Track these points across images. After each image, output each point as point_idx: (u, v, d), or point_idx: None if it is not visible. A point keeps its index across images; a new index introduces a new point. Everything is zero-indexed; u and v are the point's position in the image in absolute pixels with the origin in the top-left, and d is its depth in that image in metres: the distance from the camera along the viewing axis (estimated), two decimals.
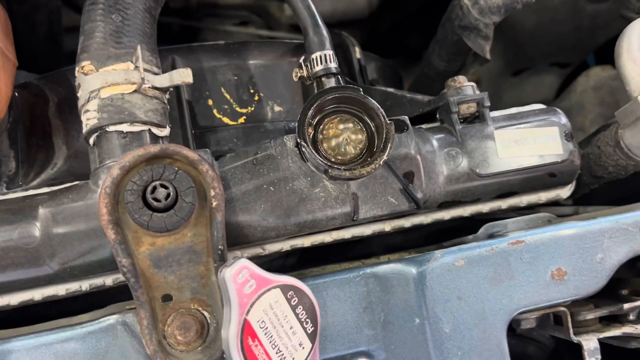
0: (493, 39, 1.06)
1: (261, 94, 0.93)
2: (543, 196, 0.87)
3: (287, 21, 1.60)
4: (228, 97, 0.91)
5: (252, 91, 0.93)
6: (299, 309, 0.68)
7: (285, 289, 0.68)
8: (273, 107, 0.93)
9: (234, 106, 0.91)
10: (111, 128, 0.72)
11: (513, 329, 0.87)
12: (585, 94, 1.26)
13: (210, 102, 0.90)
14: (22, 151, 0.88)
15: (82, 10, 1.43)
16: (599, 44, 1.49)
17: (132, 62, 0.73)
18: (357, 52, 1.02)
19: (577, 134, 1.27)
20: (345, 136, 0.75)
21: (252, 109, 0.92)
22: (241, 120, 0.91)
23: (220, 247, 0.68)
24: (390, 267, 0.74)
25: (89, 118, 0.73)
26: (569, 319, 0.77)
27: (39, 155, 0.89)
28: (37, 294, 0.74)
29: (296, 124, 0.73)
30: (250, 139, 0.91)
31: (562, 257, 0.76)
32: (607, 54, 1.49)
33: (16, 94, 0.89)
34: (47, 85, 0.92)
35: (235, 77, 0.92)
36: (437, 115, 0.86)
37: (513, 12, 1.00)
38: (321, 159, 0.72)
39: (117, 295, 0.78)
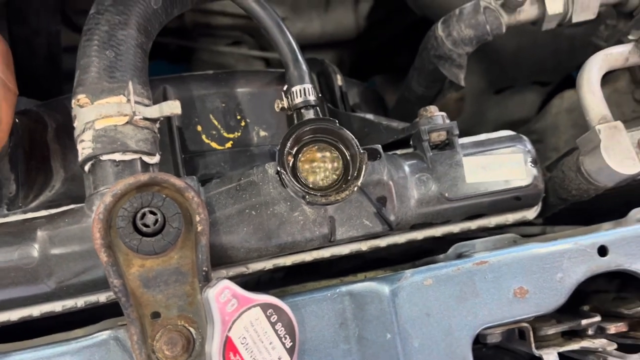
0: (476, 58, 1.10)
1: (247, 120, 0.99)
2: (510, 217, 0.92)
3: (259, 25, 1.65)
4: (216, 123, 0.97)
5: (239, 117, 0.98)
6: (278, 326, 0.74)
7: (265, 307, 0.73)
8: (259, 132, 0.99)
9: (222, 132, 0.97)
10: (105, 157, 0.78)
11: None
12: (559, 115, 1.32)
13: (199, 128, 0.96)
14: (22, 174, 0.94)
15: (80, 36, 1.49)
16: (577, 64, 1.54)
17: (124, 95, 0.79)
18: (339, 80, 1.07)
19: (551, 154, 1.33)
20: (322, 164, 0.80)
21: (239, 134, 0.98)
22: (228, 145, 0.97)
23: (204, 268, 0.74)
24: (364, 286, 0.80)
25: (84, 147, 0.78)
26: (531, 334, 0.82)
27: (38, 178, 0.95)
28: (36, 311, 0.80)
29: (277, 153, 0.79)
30: (237, 162, 0.96)
31: (524, 276, 0.81)
32: None
33: (17, 121, 0.94)
34: (46, 112, 0.97)
35: (223, 105, 0.98)
36: (410, 142, 0.91)
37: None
38: (299, 185, 0.78)
39: (110, 309, 0.84)
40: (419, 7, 1.37)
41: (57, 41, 1.35)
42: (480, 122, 1.68)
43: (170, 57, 1.78)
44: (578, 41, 1.44)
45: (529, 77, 1.60)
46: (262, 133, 0.99)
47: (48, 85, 1.40)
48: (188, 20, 1.65)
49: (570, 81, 1.73)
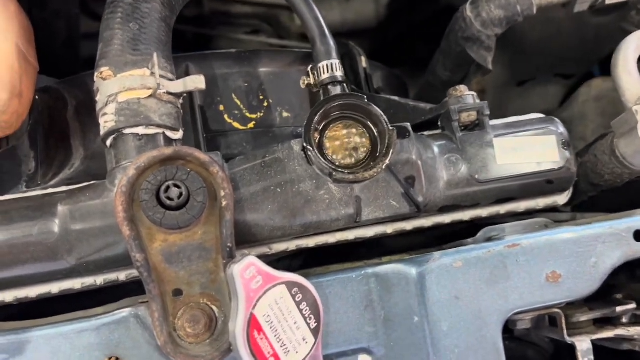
0: (499, 49, 1.08)
1: (270, 101, 0.97)
2: (541, 202, 0.89)
3: (297, 30, 1.64)
4: (239, 103, 0.95)
5: (261, 97, 0.96)
6: (303, 305, 0.72)
7: (290, 285, 0.71)
8: (281, 113, 0.97)
9: (244, 112, 0.95)
10: (127, 131, 0.76)
11: (512, 331, 0.90)
12: (586, 104, 1.29)
13: (221, 107, 0.94)
14: (42, 152, 0.92)
15: (100, 18, 1.49)
16: (603, 56, 1.52)
17: (148, 68, 0.77)
18: (363, 62, 1.05)
19: (578, 144, 1.30)
20: (349, 141, 0.78)
21: (262, 114, 0.96)
22: (251, 125, 0.95)
23: (229, 244, 0.72)
24: (391, 267, 0.78)
25: (107, 121, 0.77)
26: (563, 321, 0.79)
27: (57, 156, 0.93)
28: (55, 288, 0.78)
29: (303, 129, 0.77)
30: (259, 143, 0.94)
31: (556, 261, 0.79)
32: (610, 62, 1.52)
33: (37, 98, 0.93)
34: (66, 89, 0.96)
35: (246, 84, 0.95)
36: (439, 123, 0.89)
37: (518, 24, 1.03)
38: (326, 162, 0.75)
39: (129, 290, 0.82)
40: None
41: (76, 25, 1.34)
42: (501, 114, 1.65)
43: (188, 46, 1.76)
44: (604, 30, 1.41)
45: (552, 68, 1.57)
46: (285, 114, 0.97)
47: (66, 69, 1.39)
48: (206, 8, 1.64)
49: (591, 77, 1.71)
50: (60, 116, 0.95)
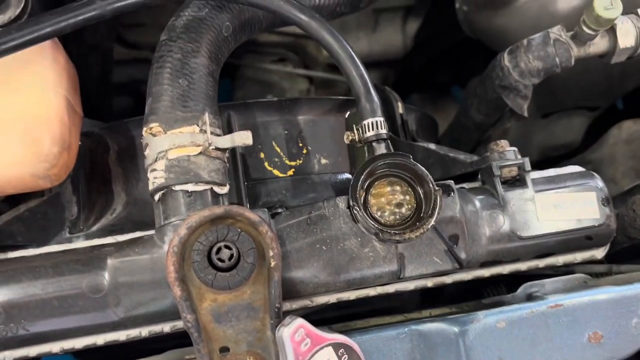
0: None
1: (309, 147, 0.97)
2: (579, 256, 0.90)
3: (324, 60, 1.65)
4: (279, 150, 0.96)
5: (300, 145, 0.97)
6: None
7: (336, 346, 0.72)
8: (320, 160, 0.98)
9: (284, 159, 0.96)
10: (177, 187, 0.77)
11: None
12: (616, 146, 1.30)
13: (262, 155, 0.95)
14: (83, 196, 0.93)
15: (131, 45, 1.49)
16: (628, 90, 1.52)
17: (197, 125, 0.79)
18: (400, 107, 1.06)
19: (608, 186, 1.29)
20: (394, 199, 0.79)
21: (301, 161, 0.97)
22: (290, 172, 0.96)
23: (277, 305, 0.73)
24: (434, 326, 0.78)
25: (157, 177, 0.78)
26: None
27: (99, 201, 0.94)
28: (100, 339, 0.79)
29: (348, 178, 0.78)
30: (298, 190, 0.95)
31: (598, 321, 0.79)
32: (636, 95, 1.52)
33: (79, 142, 0.94)
34: (108, 134, 0.97)
35: (286, 132, 0.96)
36: (479, 176, 0.90)
37: None
38: (372, 222, 0.76)
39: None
40: (474, 32, 1.36)
41: (110, 58, 1.36)
42: (526, 145, 1.66)
43: None
44: (630, 67, 1.42)
45: (578, 101, 1.58)
46: (323, 161, 0.98)
47: (98, 101, 1.41)
48: None
49: (614, 109, 1.71)
50: (102, 161, 0.96)
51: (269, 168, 0.95)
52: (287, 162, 0.96)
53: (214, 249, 0.71)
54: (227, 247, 0.71)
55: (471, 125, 1.19)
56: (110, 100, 1.46)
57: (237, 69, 1.73)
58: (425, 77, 2.01)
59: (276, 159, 0.96)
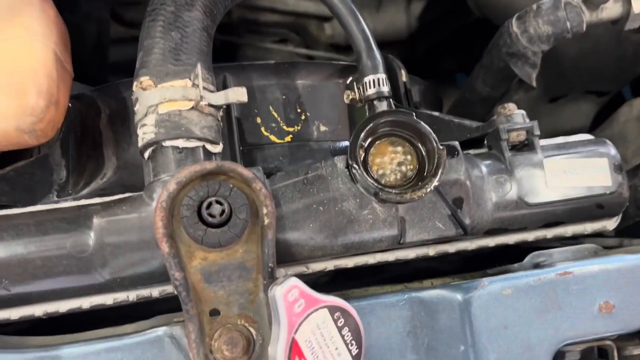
0: None
1: (308, 114, 0.94)
2: (589, 227, 0.86)
3: (326, 40, 1.62)
4: (276, 115, 0.93)
5: (299, 110, 0.94)
6: (345, 330, 0.69)
7: (332, 309, 0.68)
8: (319, 127, 0.95)
9: (281, 125, 0.93)
10: (167, 143, 0.74)
11: None
12: (627, 124, 1.26)
13: (258, 120, 0.92)
14: (73, 160, 0.90)
15: (128, 24, 1.46)
16: (639, 74, 1.48)
17: (190, 79, 0.75)
18: (403, 76, 1.02)
19: None
20: (396, 159, 0.75)
21: (299, 128, 0.93)
22: (288, 138, 0.93)
23: (270, 264, 0.69)
24: (435, 293, 0.75)
25: (146, 132, 0.74)
26: (615, 354, 0.76)
27: (89, 165, 0.91)
28: (86, 303, 0.76)
29: (348, 145, 0.74)
30: (295, 157, 0.92)
31: (610, 290, 0.75)
32: None
33: (69, 105, 0.91)
34: (99, 97, 0.94)
35: (284, 97, 0.93)
36: (485, 142, 0.86)
37: None
38: (372, 181, 0.73)
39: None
40: (480, 7, 1.32)
41: (106, 29, 1.33)
42: None
43: (215, 53, 1.75)
44: None
45: (587, 85, 1.54)
46: (322, 128, 0.95)
47: (94, 73, 1.38)
48: (234, 16, 1.62)
49: (621, 98, 1.67)
50: (93, 125, 0.93)
51: (266, 133, 0.92)
52: (284, 127, 0.93)
53: (205, 204, 0.67)
54: (218, 202, 0.68)
55: (477, 100, 1.15)
56: (106, 75, 1.42)
57: (239, 49, 1.70)
58: (429, 64, 1.97)
59: (273, 124, 0.92)
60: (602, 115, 1.56)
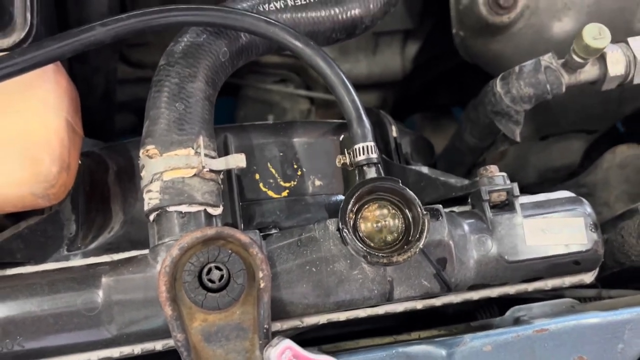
0: None
1: (304, 169, 0.99)
2: (567, 281, 0.91)
3: (324, 82, 1.67)
4: (274, 171, 0.98)
5: (295, 166, 0.99)
6: None
7: None
8: (314, 182, 0.99)
9: (279, 180, 0.98)
10: (171, 208, 0.79)
11: None
12: (610, 170, 1.31)
13: (257, 176, 0.97)
14: (82, 215, 0.95)
15: (134, 64, 1.51)
16: (626, 114, 1.53)
17: (192, 148, 0.81)
18: (394, 131, 1.08)
19: (602, 209, 1.31)
20: (383, 223, 0.80)
21: (295, 183, 0.98)
22: (284, 193, 0.98)
23: (265, 325, 0.74)
24: (421, 349, 0.79)
25: (151, 198, 0.80)
26: None
27: (97, 219, 0.96)
28: (94, 356, 0.80)
29: (338, 206, 0.79)
30: (292, 211, 0.97)
31: (584, 346, 0.80)
32: (635, 118, 1.53)
33: (79, 162, 0.97)
34: (108, 154, 0.99)
35: (281, 154, 0.98)
36: (469, 200, 0.91)
37: None
38: (361, 245, 0.78)
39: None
40: (471, 56, 1.38)
41: (113, 78, 1.39)
42: (523, 167, 1.67)
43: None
44: (628, 92, 1.43)
45: (575, 124, 1.59)
46: (318, 182, 1.00)
47: (101, 120, 1.44)
48: None
49: (615, 130, 1.72)
50: (101, 180, 0.98)
51: (264, 189, 0.97)
52: (281, 183, 0.98)
53: (205, 270, 0.73)
54: (217, 268, 0.73)
55: (465, 149, 1.21)
56: (113, 118, 1.48)
57: (240, 89, 1.76)
58: (425, 99, 2.03)
59: (271, 180, 0.97)
60: (594, 151, 1.61)
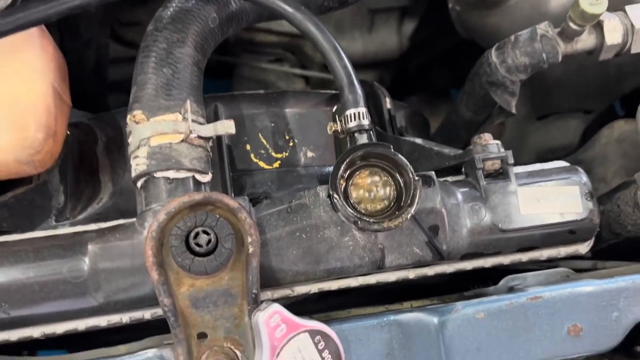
0: (521, 85, 1.09)
1: (296, 140, 0.98)
2: (562, 251, 0.90)
3: (320, 60, 1.66)
4: (265, 142, 0.97)
5: (287, 137, 0.98)
6: (325, 353, 0.73)
7: (313, 333, 0.72)
8: (306, 153, 0.98)
9: (270, 151, 0.97)
10: (158, 174, 0.78)
11: None
12: (608, 145, 1.29)
13: (248, 147, 0.96)
14: (71, 186, 0.94)
15: (127, 43, 1.50)
16: (625, 92, 1.52)
17: (180, 113, 0.79)
18: (388, 103, 1.07)
19: (599, 185, 1.30)
20: (374, 188, 0.79)
21: (287, 154, 0.97)
22: (276, 164, 0.97)
23: (254, 291, 0.73)
24: (413, 316, 0.78)
25: (138, 164, 0.78)
26: None
27: (86, 190, 0.95)
28: (81, 324, 0.79)
29: (330, 174, 0.78)
30: (284, 182, 0.96)
31: (578, 314, 0.79)
32: (633, 99, 1.52)
33: (68, 132, 0.95)
34: (97, 125, 0.98)
35: (273, 124, 0.97)
36: (463, 170, 0.90)
37: None
38: (351, 210, 0.76)
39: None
40: (467, 31, 1.36)
41: (105, 53, 1.37)
42: (521, 147, 1.65)
43: (211, 73, 1.79)
44: (626, 68, 1.41)
45: (573, 104, 1.57)
46: (310, 154, 0.99)
47: (94, 96, 1.42)
48: (231, 37, 1.66)
49: (612, 111, 1.70)
50: (90, 151, 0.97)
51: (255, 160, 0.96)
52: (273, 154, 0.97)
53: (192, 234, 0.72)
54: (205, 232, 0.72)
55: (461, 123, 1.19)
56: (105, 95, 1.47)
57: (234, 68, 1.74)
58: (422, 80, 2.01)
59: (262, 151, 0.96)
60: (592, 131, 1.60)
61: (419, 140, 0.99)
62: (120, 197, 0.94)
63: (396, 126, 1.06)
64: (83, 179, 0.96)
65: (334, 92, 1.01)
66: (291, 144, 0.98)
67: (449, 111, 1.27)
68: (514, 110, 1.06)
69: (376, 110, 1.06)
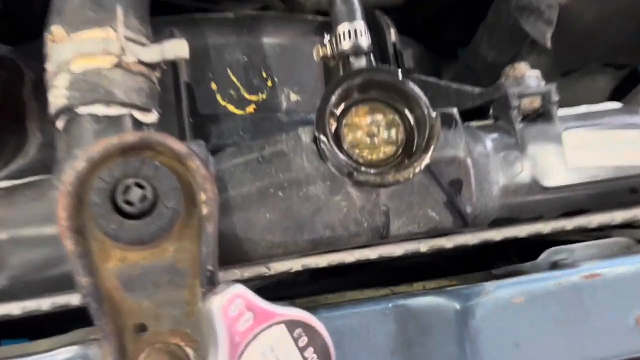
0: None
1: (275, 80, 0.81)
2: (618, 216, 0.72)
3: (312, 7, 1.47)
4: (236, 80, 0.80)
5: (264, 75, 0.81)
6: (309, 352, 0.55)
7: (291, 325, 0.54)
8: (289, 96, 0.82)
9: (242, 92, 0.80)
10: (83, 110, 0.59)
11: None
12: None
13: (213, 86, 0.79)
14: None
15: None
16: None
17: (112, 27, 0.60)
18: (393, 35, 0.88)
19: None
20: (376, 131, 0.60)
21: (264, 96, 0.81)
22: (250, 109, 0.80)
23: (209, 267, 0.54)
24: (427, 301, 0.61)
25: (57, 96, 0.60)
26: None
27: (10, 142, 0.78)
28: None
29: (316, 114, 0.58)
30: (260, 131, 0.79)
31: None
32: None
33: None
34: (23, 60, 0.80)
35: (246, 58, 0.80)
36: (491, 111, 0.72)
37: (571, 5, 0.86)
38: (345, 158, 0.58)
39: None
40: None
41: None
42: None
43: None
44: None
45: (605, 56, 1.40)
46: (294, 97, 0.82)
47: (19, 21, 1.23)
48: None
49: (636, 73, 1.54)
50: (15, 93, 0.79)
51: (223, 103, 0.80)
52: (246, 96, 0.81)
53: (121, 189, 0.52)
54: (138, 185, 0.53)
55: (481, 68, 1.01)
56: (37, 21, 1.27)
57: None
58: (429, 35, 1.84)
59: (232, 92, 0.80)
60: (623, 90, 1.43)
61: (431, 79, 0.80)
62: (51, 149, 0.75)
63: (403, 64, 0.87)
64: (7, 128, 0.78)
65: (325, 18, 0.82)
66: (270, 83, 0.81)
67: (464, 57, 1.09)
68: (549, 44, 0.87)
69: (379, 43, 0.88)
